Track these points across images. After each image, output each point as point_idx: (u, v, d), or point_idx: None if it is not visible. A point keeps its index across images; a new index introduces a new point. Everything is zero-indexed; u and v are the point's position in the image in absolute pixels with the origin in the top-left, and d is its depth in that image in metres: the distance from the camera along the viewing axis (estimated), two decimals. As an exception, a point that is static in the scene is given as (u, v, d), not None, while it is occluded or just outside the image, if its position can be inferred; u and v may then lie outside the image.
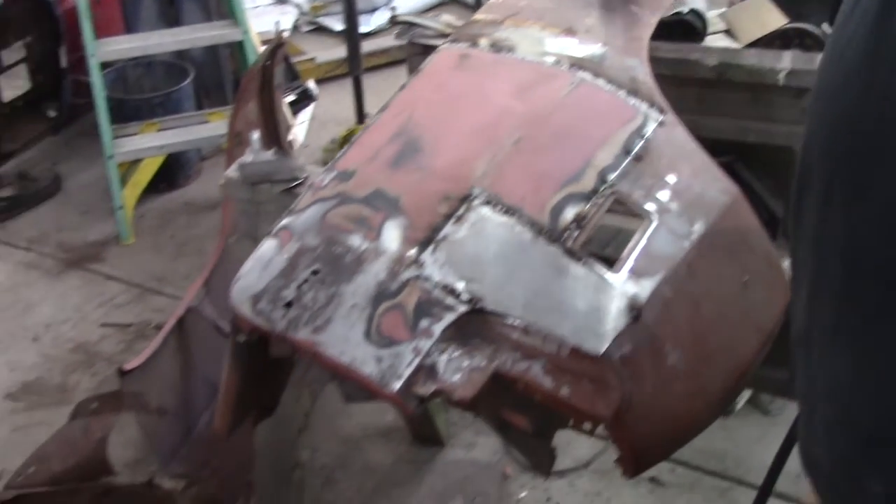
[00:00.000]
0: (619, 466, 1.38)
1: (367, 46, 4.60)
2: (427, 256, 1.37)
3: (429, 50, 1.87)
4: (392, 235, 1.41)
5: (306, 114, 3.91)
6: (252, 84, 2.78)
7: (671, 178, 1.52)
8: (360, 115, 4.11)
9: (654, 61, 1.77)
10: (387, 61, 5.03)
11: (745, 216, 1.54)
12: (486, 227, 1.41)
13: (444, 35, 2.17)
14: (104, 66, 3.93)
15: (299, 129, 3.78)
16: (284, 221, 1.48)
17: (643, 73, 1.69)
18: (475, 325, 1.34)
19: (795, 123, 2.22)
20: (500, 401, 1.38)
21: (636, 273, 1.38)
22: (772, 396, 2.91)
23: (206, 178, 4.40)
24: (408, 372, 1.27)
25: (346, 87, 4.19)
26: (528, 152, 1.52)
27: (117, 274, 3.80)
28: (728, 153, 2.39)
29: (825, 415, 0.99)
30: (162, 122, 4.06)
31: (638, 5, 1.91)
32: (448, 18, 2.39)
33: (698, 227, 1.46)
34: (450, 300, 1.34)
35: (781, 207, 2.59)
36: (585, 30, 1.76)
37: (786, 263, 1.61)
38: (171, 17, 4.27)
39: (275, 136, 2.65)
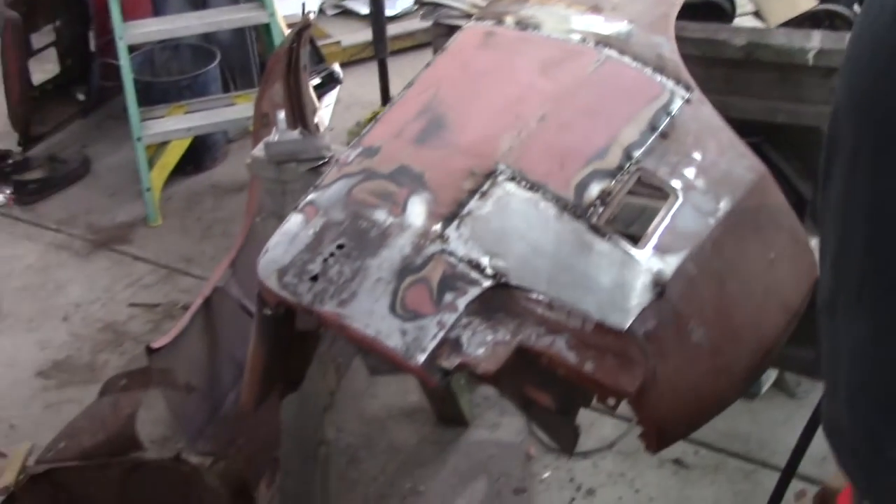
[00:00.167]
0: (642, 442, 1.39)
1: (392, 29, 4.61)
2: (452, 231, 1.38)
3: (454, 31, 1.87)
4: (417, 211, 1.41)
5: (331, 97, 3.91)
6: (278, 66, 2.79)
7: (697, 155, 1.51)
8: (386, 98, 4.11)
9: (682, 41, 1.76)
10: (412, 44, 5.02)
11: (771, 194, 1.54)
12: (510, 202, 1.41)
13: (469, 15, 2.17)
14: (132, 49, 3.97)
15: (324, 112, 3.79)
16: (310, 197, 1.49)
17: (669, 50, 1.68)
18: (499, 300, 1.34)
19: (824, 104, 2.20)
20: (523, 377, 1.39)
21: (661, 249, 1.38)
22: (797, 379, 2.89)
23: (232, 161, 4.43)
24: (432, 345, 1.28)
25: (372, 70, 4.20)
26: (554, 129, 1.51)
27: (145, 255, 3.84)
28: (756, 134, 2.37)
29: (848, 380, 1.01)
30: (189, 104, 4.09)
31: (665, -17, 1.90)
32: (474, -1, 2.38)
33: (724, 205, 1.46)
34: (474, 275, 1.34)
35: (809, 189, 2.56)
36: (611, 7, 1.75)
37: (813, 242, 1.61)
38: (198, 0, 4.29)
39: (301, 116, 2.67)
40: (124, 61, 3.78)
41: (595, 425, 2.79)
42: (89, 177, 4.41)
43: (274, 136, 1.97)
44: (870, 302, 0.96)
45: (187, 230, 4.00)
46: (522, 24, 1.74)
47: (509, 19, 1.75)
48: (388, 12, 4.53)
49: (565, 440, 1.67)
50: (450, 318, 1.30)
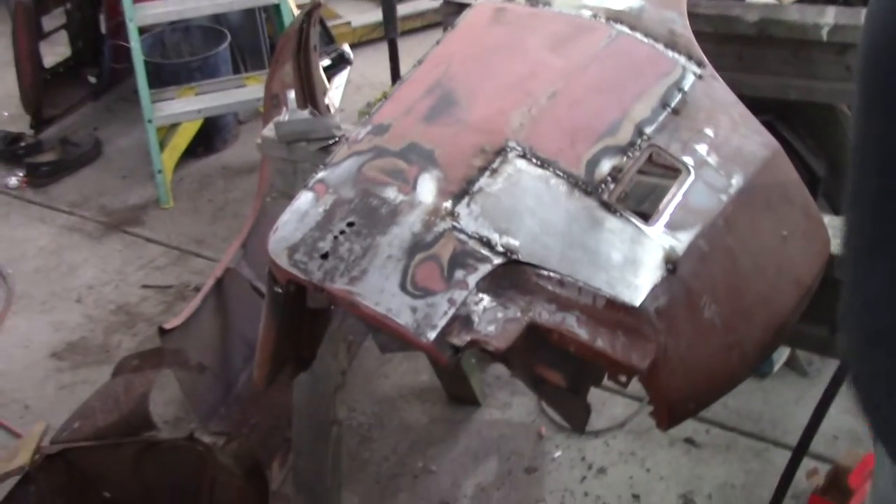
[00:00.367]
0: (653, 418, 1.38)
1: (402, 9, 4.58)
2: (462, 208, 1.37)
3: (464, 8, 1.86)
4: (427, 188, 1.41)
5: (342, 78, 3.91)
6: (288, 46, 2.79)
7: (709, 132, 1.50)
8: (396, 79, 4.09)
9: (694, 17, 1.74)
10: (423, 24, 5.01)
11: (784, 170, 1.52)
12: (521, 179, 1.41)
13: (479, -7, 2.15)
14: (142, 31, 3.97)
15: (335, 93, 3.79)
16: (320, 175, 1.48)
17: (681, 26, 1.66)
18: (510, 277, 1.34)
19: (838, 80, 2.18)
20: (534, 355, 1.38)
21: (673, 226, 1.37)
22: (809, 357, 2.89)
23: (243, 143, 4.43)
24: (443, 322, 1.28)
25: (382, 50, 4.17)
26: (564, 105, 1.50)
27: (157, 237, 3.86)
28: (768, 112, 2.35)
29: (865, 330, 1.05)
30: (199, 86, 4.09)
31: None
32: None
33: (736, 181, 1.44)
34: (485, 252, 1.34)
35: (822, 167, 2.55)
36: (623, -18, 1.74)
37: (826, 219, 1.60)
38: (207, -19, 4.28)
39: (311, 96, 2.66)
40: (135, 43, 3.78)
41: (606, 404, 2.79)
42: (101, 159, 4.42)
43: (284, 116, 1.97)
44: (882, 254, 1.00)
45: (199, 212, 4.01)
46: (534, 0, 1.73)
47: (520, -5, 1.74)
48: (399, -8, 4.49)
49: (576, 419, 1.68)
50: (460, 296, 1.30)
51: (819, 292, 1.51)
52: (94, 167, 4.36)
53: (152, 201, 4.08)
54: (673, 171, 1.48)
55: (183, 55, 4.36)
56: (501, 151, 1.43)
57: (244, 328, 2.84)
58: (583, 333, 1.30)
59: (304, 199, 1.45)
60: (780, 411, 2.80)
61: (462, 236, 1.35)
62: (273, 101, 2.92)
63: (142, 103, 3.85)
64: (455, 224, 1.36)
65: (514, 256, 1.34)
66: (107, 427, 2.27)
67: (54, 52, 4.76)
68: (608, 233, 1.36)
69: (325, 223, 1.40)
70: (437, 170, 1.43)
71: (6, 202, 4.13)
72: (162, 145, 3.98)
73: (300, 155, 1.96)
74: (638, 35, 1.62)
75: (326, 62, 3.44)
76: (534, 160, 1.42)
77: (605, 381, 1.41)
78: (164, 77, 4.10)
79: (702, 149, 1.47)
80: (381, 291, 1.32)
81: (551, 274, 1.33)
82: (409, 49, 4.22)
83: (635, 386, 1.35)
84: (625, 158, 1.44)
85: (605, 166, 1.42)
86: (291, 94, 2.12)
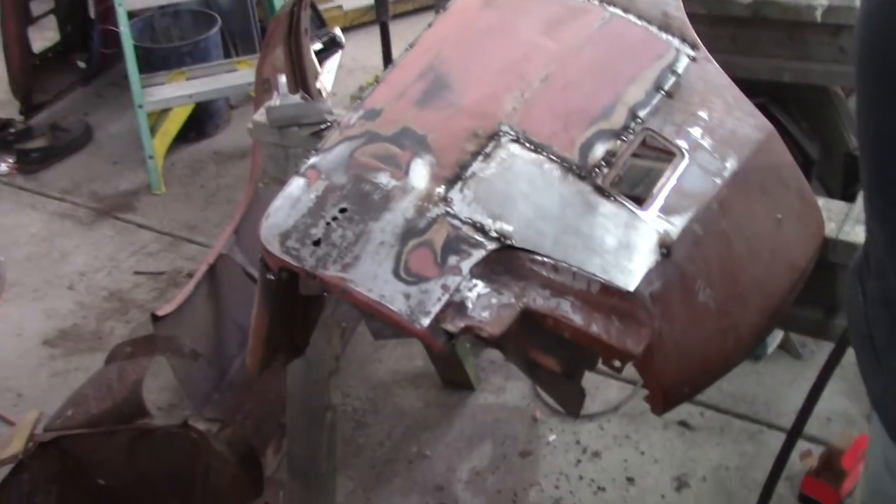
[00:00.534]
0: (648, 403, 1.38)
1: (394, -7, 4.55)
2: (455, 194, 1.36)
3: (457, -9, 1.84)
4: (420, 173, 1.39)
5: (334, 62, 3.88)
6: (279, 29, 2.77)
7: (703, 115, 1.49)
8: (388, 63, 4.07)
9: (688, -1, 1.73)
10: (414, 8, 4.98)
11: (779, 153, 1.52)
12: (514, 164, 1.40)
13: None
14: (131, 15, 3.93)
15: (327, 77, 3.76)
16: (312, 160, 1.47)
17: (675, 8, 1.65)
18: (504, 263, 1.33)
19: (832, 62, 2.17)
20: (528, 341, 1.38)
21: (667, 210, 1.37)
22: (803, 340, 2.89)
23: (234, 127, 4.41)
24: (436, 308, 1.27)
25: (374, 34, 4.15)
26: (558, 89, 1.49)
27: (149, 223, 3.84)
28: (762, 94, 2.34)
29: (872, 292, 1.14)
30: (190, 70, 4.07)
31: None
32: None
33: (731, 164, 1.44)
34: (478, 237, 1.33)
35: (816, 149, 2.54)
36: (616, -36, 1.72)
37: (821, 202, 1.59)
38: (197, -36, 4.25)
39: (302, 80, 2.64)
40: (124, 28, 3.74)
41: (600, 388, 2.79)
42: (92, 145, 4.39)
43: (275, 101, 1.95)
44: (880, 217, 1.09)
45: (190, 197, 4.00)
46: (525, -17, 1.71)
47: (512, -22, 1.72)
48: (390, -25, 4.46)
49: (571, 403, 1.67)
50: (454, 282, 1.29)
51: (813, 275, 1.51)
52: (84, 153, 4.34)
53: (144, 187, 4.06)
54: (667, 155, 1.47)
55: (173, 39, 4.33)
56: (494, 136, 1.42)
57: (237, 314, 2.84)
58: (577, 319, 1.29)
59: (296, 185, 1.44)
60: (773, 394, 2.81)
61: (455, 222, 1.34)
62: (264, 86, 2.90)
63: (132, 88, 3.82)
64: (448, 209, 1.35)
65: (508, 242, 1.33)
66: (100, 414, 2.26)
67: (43, 37, 4.72)
68: (602, 217, 1.35)
69: (318, 209, 1.39)
70: (429, 155, 1.42)
71: (-4, 189, 4.12)
72: (153, 130, 3.96)
73: (292, 140, 1.95)
74: (631, 17, 1.61)
75: (318, 46, 3.41)
76: (527, 144, 1.41)
77: (600, 365, 1.41)
78: (155, 62, 4.07)
79: (696, 132, 1.46)
80: (374, 278, 1.31)
81: (545, 259, 1.32)
82: (401, 32, 4.19)
83: (629, 370, 1.35)
84: (618, 142, 1.43)
85: (599, 150, 1.41)
86: (283, 79, 2.10)
